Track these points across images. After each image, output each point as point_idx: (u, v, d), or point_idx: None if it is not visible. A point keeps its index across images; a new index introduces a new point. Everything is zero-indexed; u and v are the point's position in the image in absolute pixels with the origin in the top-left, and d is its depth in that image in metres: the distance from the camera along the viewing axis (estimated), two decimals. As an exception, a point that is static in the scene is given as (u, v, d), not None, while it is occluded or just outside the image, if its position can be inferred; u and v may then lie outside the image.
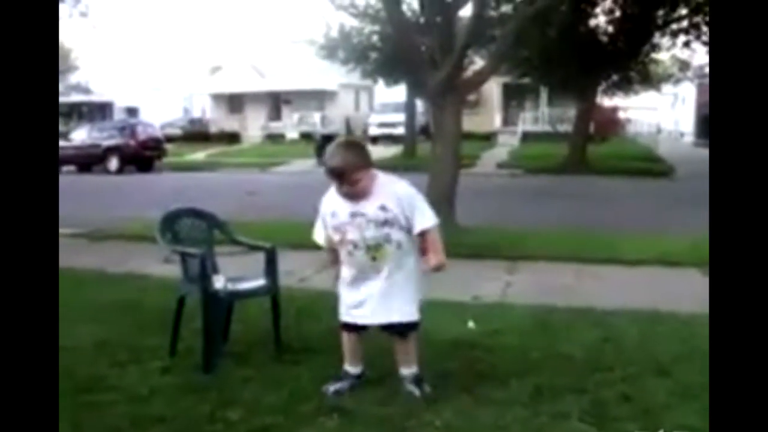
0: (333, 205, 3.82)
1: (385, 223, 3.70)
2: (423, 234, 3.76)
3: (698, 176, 16.61)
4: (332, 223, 3.83)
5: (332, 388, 3.98)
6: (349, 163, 3.65)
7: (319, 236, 4.01)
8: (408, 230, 3.76)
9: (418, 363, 4.00)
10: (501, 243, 8.75)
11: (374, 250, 3.74)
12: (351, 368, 4.07)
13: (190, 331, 4.63)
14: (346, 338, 4.06)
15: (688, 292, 6.40)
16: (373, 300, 3.84)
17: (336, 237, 3.84)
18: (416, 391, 3.91)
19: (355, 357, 4.07)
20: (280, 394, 3.96)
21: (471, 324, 5.32)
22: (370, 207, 3.71)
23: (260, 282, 4.73)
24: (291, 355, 4.61)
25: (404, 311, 3.87)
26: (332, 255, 4.01)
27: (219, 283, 4.47)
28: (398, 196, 3.74)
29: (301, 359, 4.55)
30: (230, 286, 4.52)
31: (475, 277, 7.19)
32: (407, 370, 3.98)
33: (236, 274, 4.78)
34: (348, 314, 3.95)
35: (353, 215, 3.72)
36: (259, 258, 4.79)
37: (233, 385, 4.13)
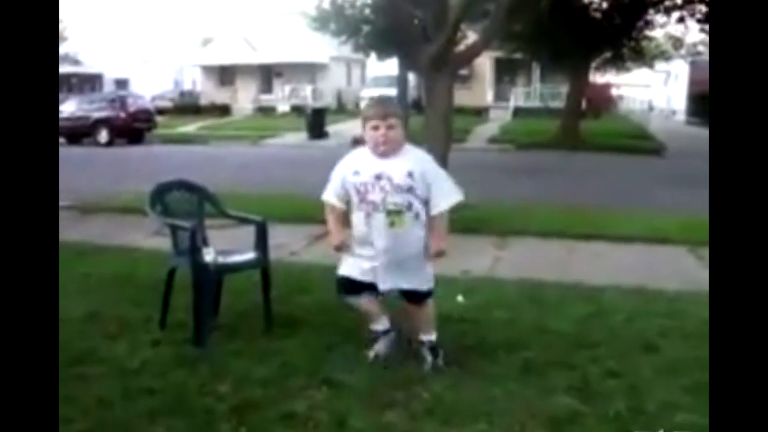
0: (356, 164, 3.82)
1: (409, 190, 3.72)
2: (435, 216, 3.82)
3: (689, 155, 16.66)
4: (353, 182, 3.79)
5: (372, 352, 4.05)
6: (393, 108, 3.85)
7: (329, 195, 3.95)
8: (426, 203, 3.79)
9: (436, 331, 4.08)
10: (491, 218, 8.76)
11: (394, 215, 3.72)
12: (378, 326, 4.10)
13: (180, 304, 4.63)
14: (363, 301, 4.03)
15: (676, 269, 6.46)
16: (388, 266, 3.81)
17: (355, 197, 3.80)
18: (428, 358, 4.00)
19: (378, 313, 4.09)
20: (270, 367, 3.99)
21: (460, 298, 5.35)
22: (397, 171, 3.71)
23: (250, 255, 4.73)
24: (281, 328, 4.63)
25: (420, 279, 3.90)
26: (338, 227, 3.97)
27: (209, 255, 4.47)
28: (425, 168, 3.79)
29: (290, 332, 4.56)
30: (220, 259, 4.52)
31: (465, 251, 7.20)
32: (425, 336, 4.05)
33: (226, 247, 4.78)
34: (360, 274, 3.90)
35: (378, 177, 3.72)
36: (250, 231, 4.79)
37: (223, 358, 4.15)
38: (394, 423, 3.38)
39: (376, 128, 3.73)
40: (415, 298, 3.95)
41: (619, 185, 14.08)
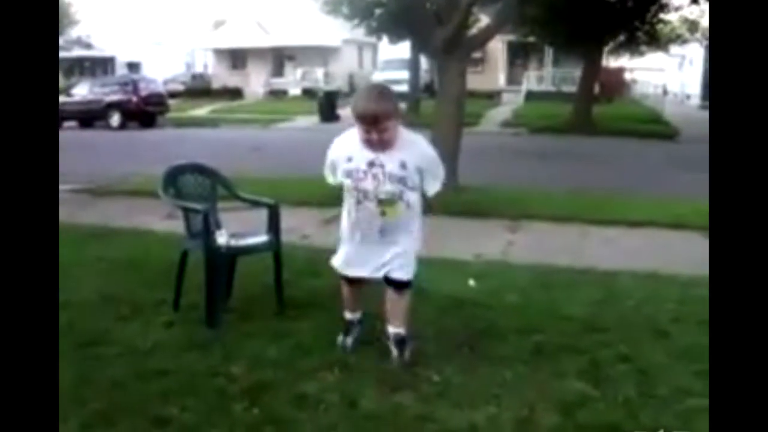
0: (349, 149, 3.69)
1: (401, 180, 3.63)
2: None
3: (703, 139, 16.41)
4: (345, 167, 3.69)
5: (349, 340, 4.06)
6: (384, 110, 3.54)
7: (330, 178, 3.89)
8: (418, 191, 3.72)
9: (407, 325, 3.92)
10: (503, 202, 8.75)
11: (386, 205, 3.66)
12: (351, 315, 4.12)
13: (193, 287, 4.66)
14: (346, 289, 4.09)
15: (689, 254, 6.42)
16: (375, 257, 3.79)
17: (347, 182, 3.71)
18: (394, 351, 3.88)
19: (355, 303, 4.12)
20: (282, 349, 4.01)
21: (472, 282, 5.36)
22: (390, 161, 3.60)
23: (263, 238, 4.75)
24: (293, 310, 4.65)
25: (403, 269, 3.79)
26: None
27: (221, 238, 4.48)
28: (422, 157, 3.69)
29: (302, 315, 4.59)
30: (233, 242, 4.54)
31: (477, 235, 7.22)
32: (393, 329, 3.91)
33: (239, 230, 4.79)
34: (347, 268, 3.94)
35: (371, 164, 3.61)
36: (262, 214, 4.80)
37: (236, 340, 4.17)
38: (405, 405, 3.40)
39: (367, 132, 3.56)
40: (397, 286, 3.84)
41: (632, 170, 14.01)
